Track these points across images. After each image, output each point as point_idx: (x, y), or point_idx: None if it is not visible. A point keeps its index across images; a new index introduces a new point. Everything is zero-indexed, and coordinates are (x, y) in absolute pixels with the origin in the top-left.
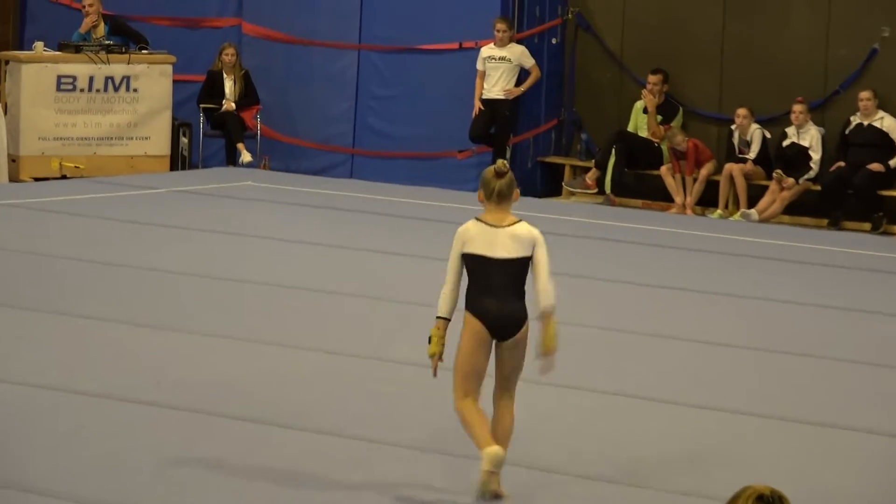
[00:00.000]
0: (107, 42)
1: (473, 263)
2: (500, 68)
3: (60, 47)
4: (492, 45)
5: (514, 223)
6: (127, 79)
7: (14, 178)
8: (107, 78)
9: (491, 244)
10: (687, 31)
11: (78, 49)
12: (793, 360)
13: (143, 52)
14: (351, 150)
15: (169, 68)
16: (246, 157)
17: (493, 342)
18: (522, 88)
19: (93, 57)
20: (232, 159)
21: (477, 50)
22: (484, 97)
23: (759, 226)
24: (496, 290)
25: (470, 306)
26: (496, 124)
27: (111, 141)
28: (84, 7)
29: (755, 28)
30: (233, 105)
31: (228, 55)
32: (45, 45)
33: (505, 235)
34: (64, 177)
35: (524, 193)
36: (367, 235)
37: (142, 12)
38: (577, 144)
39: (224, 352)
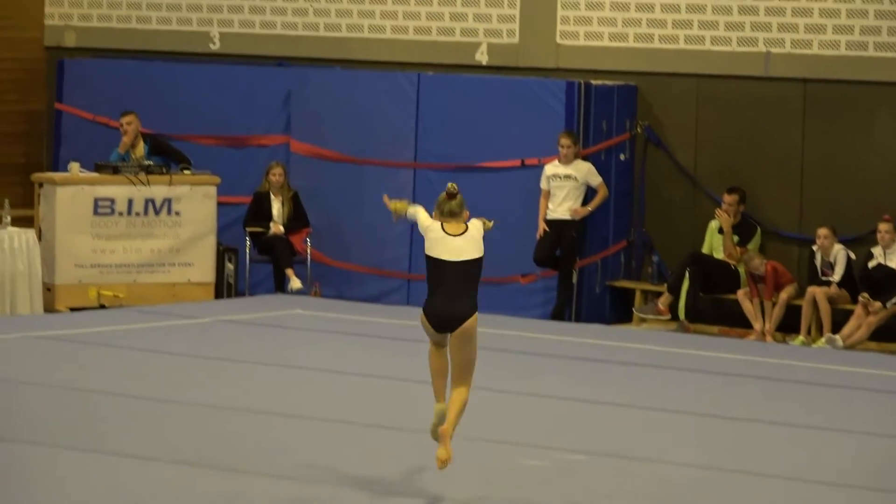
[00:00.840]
0: (147, 162)
1: (433, 267)
2: (565, 187)
3: (97, 168)
4: (556, 162)
5: (465, 230)
6: (168, 201)
7: (49, 308)
8: (147, 200)
9: (447, 249)
10: (764, 145)
11: (116, 170)
12: None
13: (186, 172)
14: (407, 276)
15: (213, 190)
16: (295, 283)
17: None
18: (590, 208)
19: (132, 178)
20: (280, 286)
21: (540, 167)
22: (548, 218)
23: (845, 353)
24: (446, 292)
25: (424, 307)
26: (562, 246)
27: (152, 268)
28: (122, 126)
29: (837, 141)
30: (281, 228)
31: (276, 175)
32: (80, 167)
33: (460, 242)
34: (102, 306)
35: (590, 320)
36: (425, 367)
37: (184, 131)
38: (647, 267)
39: (276, 495)
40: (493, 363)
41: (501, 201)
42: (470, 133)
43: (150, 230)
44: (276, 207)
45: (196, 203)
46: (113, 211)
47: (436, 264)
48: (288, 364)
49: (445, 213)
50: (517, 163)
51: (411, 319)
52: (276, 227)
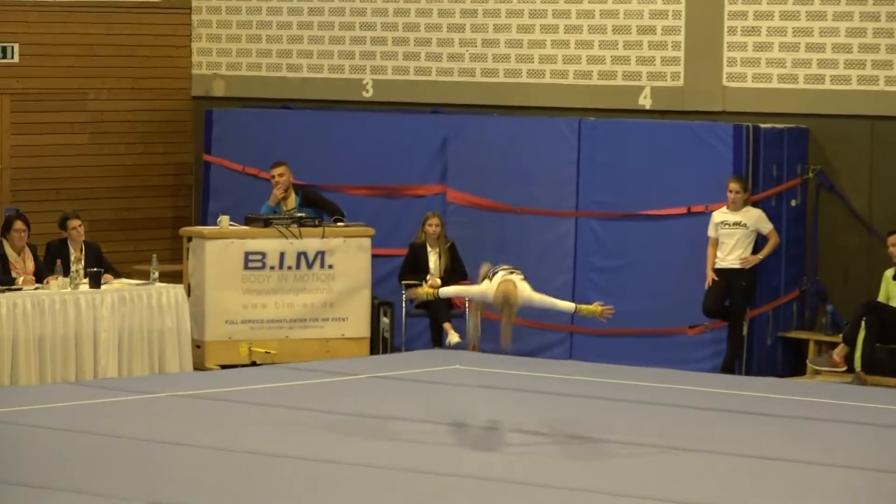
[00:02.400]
0: (298, 214)
1: None
2: (734, 234)
3: (247, 221)
4: (724, 208)
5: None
6: (321, 254)
7: (199, 365)
8: (299, 254)
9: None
10: None
11: (267, 223)
12: None
13: (339, 224)
14: (570, 329)
15: (367, 242)
16: (453, 337)
17: None
18: (760, 256)
19: (283, 231)
20: (438, 341)
21: (708, 215)
22: (717, 267)
23: None
24: None
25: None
26: (732, 296)
27: (305, 323)
28: (272, 177)
29: None
30: (438, 281)
31: (432, 226)
32: (230, 220)
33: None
34: (254, 363)
35: (762, 372)
36: (591, 423)
37: (336, 181)
38: (822, 318)
39: None
40: (661, 419)
41: (667, 250)
42: (633, 180)
43: (303, 284)
44: (433, 259)
45: (350, 255)
46: (264, 265)
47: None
48: (448, 422)
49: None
50: (683, 210)
51: (576, 374)
52: (433, 280)
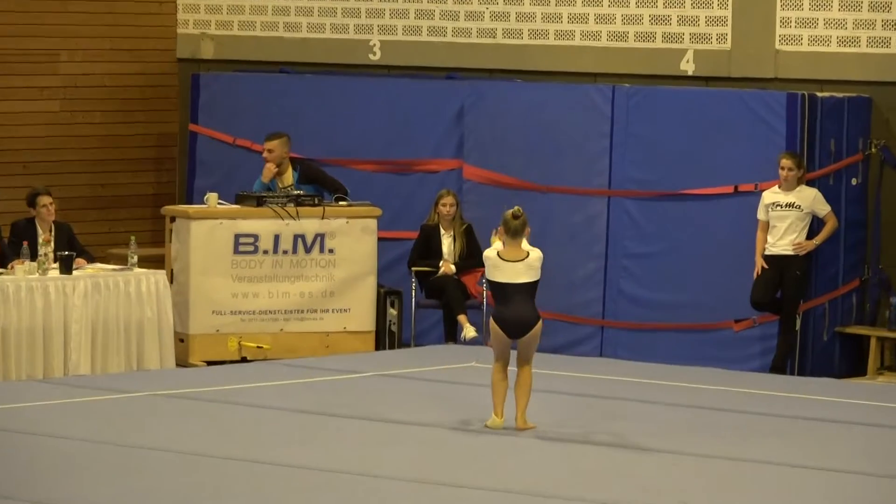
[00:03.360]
0: (296, 192)
1: (495, 288)
2: (787, 217)
3: (238, 200)
4: (776, 188)
5: (524, 257)
6: (321, 237)
7: (183, 362)
8: (296, 236)
9: (504, 273)
10: None
11: (260, 202)
12: None
13: (341, 203)
14: (600, 322)
15: (373, 223)
16: (469, 331)
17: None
18: (816, 242)
19: (279, 211)
20: (452, 335)
21: (757, 195)
22: (768, 253)
23: None
24: (513, 305)
25: (494, 316)
26: (783, 287)
27: (302, 314)
28: (267, 151)
29: None
30: (452, 268)
31: (447, 206)
32: (219, 198)
33: (520, 267)
34: (244, 359)
35: (818, 372)
36: (625, 429)
37: (339, 155)
38: (884, 311)
39: None
40: (703, 425)
41: (711, 234)
42: (674, 155)
43: (300, 271)
44: (447, 243)
45: (353, 239)
46: (256, 249)
47: (497, 286)
48: (464, 427)
49: (510, 232)
50: (729, 189)
51: (607, 373)
52: (447, 266)
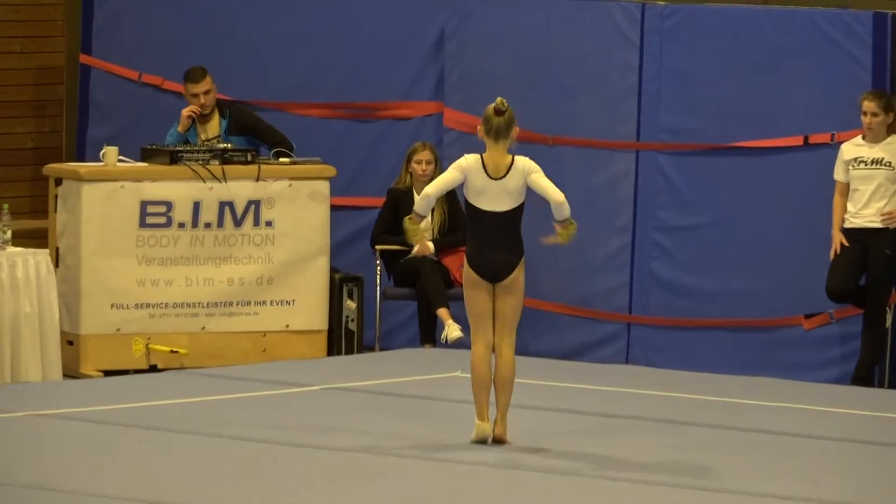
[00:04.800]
0: (222, 146)
1: (470, 212)
2: (873, 178)
3: (145, 156)
4: (859, 139)
5: (507, 171)
6: (256, 205)
7: (71, 371)
8: (223, 204)
9: (487, 197)
10: None
11: (175, 158)
12: None
13: (283, 161)
14: (626, 318)
15: (325, 187)
16: (453, 330)
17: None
18: None
19: (199, 170)
20: (430, 335)
21: (834, 147)
22: (848, 226)
23: None
24: (487, 239)
25: (466, 253)
26: (869, 271)
27: (230, 308)
28: (188, 91)
29: None
30: (430, 246)
31: (422, 164)
32: (119, 153)
33: (499, 189)
34: (154, 368)
35: None
36: (660, 464)
37: (280, 96)
38: None
39: None
40: (761, 451)
41: (772, 199)
42: (722, 96)
43: (228, 250)
44: None
45: (298, 207)
46: (170, 221)
47: (474, 212)
48: (448, 459)
49: (492, 132)
50: (797, 141)
51: (635, 386)
52: (423, 244)
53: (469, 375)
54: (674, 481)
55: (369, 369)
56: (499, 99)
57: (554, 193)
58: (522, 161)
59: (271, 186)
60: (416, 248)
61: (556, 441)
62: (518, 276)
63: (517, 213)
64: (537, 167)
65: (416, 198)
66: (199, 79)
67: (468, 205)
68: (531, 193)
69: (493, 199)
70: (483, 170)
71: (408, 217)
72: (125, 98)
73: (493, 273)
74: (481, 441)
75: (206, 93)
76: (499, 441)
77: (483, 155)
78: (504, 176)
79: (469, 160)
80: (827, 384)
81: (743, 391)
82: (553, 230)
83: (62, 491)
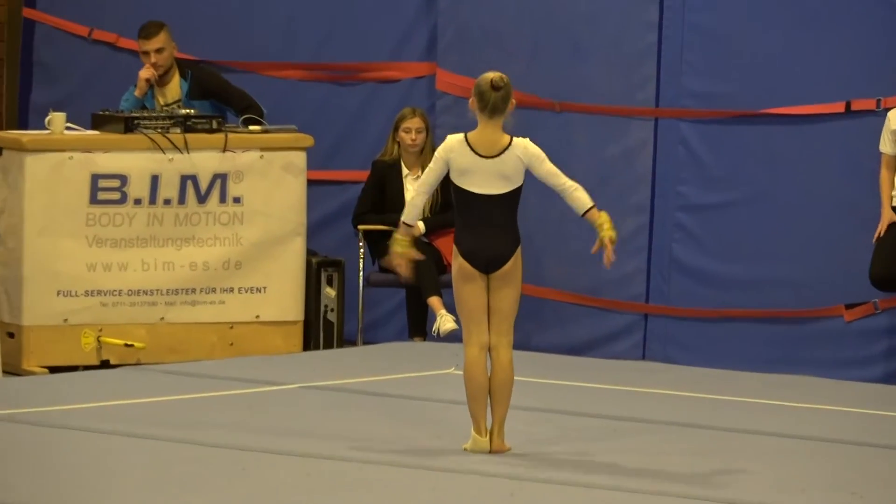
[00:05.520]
0: (185, 112)
1: (458, 196)
2: None
3: (97, 122)
4: None
5: (502, 151)
6: (222, 179)
7: (13, 367)
8: (185, 178)
9: (476, 178)
10: None
11: (130, 125)
12: None
13: (254, 128)
14: (644, 308)
15: (301, 158)
16: (446, 322)
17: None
18: None
19: (158, 139)
20: (420, 327)
21: (880, 115)
22: None
23: None
24: (479, 225)
25: (455, 241)
26: None
27: (193, 296)
28: (143, 50)
29: None
30: (421, 226)
31: (412, 132)
32: (68, 120)
33: (491, 169)
34: (106, 363)
35: None
36: (680, 473)
37: (251, 55)
38: None
39: None
40: (794, 458)
41: (810, 174)
42: (753, 57)
43: (191, 230)
44: (413, 187)
45: (271, 182)
46: (125, 197)
47: (462, 195)
48: (444, 467)
49: (488, 109)
50: (838, 107)
51: (652, 385)
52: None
53: (460, 373)
54: (696, 493)
55: (351, 365)
56: (497, 74)
57: (566, 181)
58: (523, 144)
59: (240, 158)
60: (392, 258)
61: (563, 447)
62: (515, 265)
63: (513, 196)
64: (540, 153)
65: (407, 174)
66: (152, 34)
67: (455, 188)
68: (543, 192)
69: (484, 180)
70: (469, 148)
71: (396, 233)
72: (74, 57)
73: (487, 263)
74: (476, 451)
75: (159, 51)
76: (497, 451)
77: (469, 133)
78: (498, 155)
79: (450, 142)
80: (870, 383)
81: (775, 391)
82: (591, 232)
83: None
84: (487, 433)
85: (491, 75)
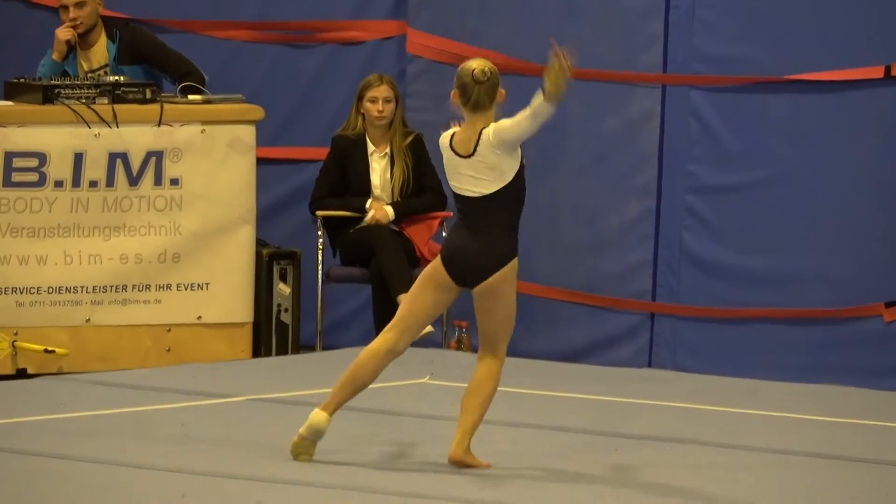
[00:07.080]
0: (113, 79)
1: (454, 196)
2: None
3: (11, 91)
4: None
5: (475, 149)
6: (157, 158)
7: None
8: (113, 157)
9: (461, 179)
10: None
11: (50, 95)
12: None
13: (193, 98)
14: (649, 306)
15: (249, 133)
16: None
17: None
18: None
19: (82, 111)
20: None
21: None
22: None
23: None
24: (461, 229)
25: (445, 237)
26: None
27: (125, 293)
28: (65, 10)
29: None
30: (389, 211)
31: (378, 102)
32: None
33: (470, 168)
34: (22, 372)
35: None
36: (675, 493)
37: (189, 13)
38: None
39: None
40: (825, 474)
41: (843, 150)
42: (774, 15)
43: (121, 217)
44: (380, 168)
45: (214, 161)
46: (44, 179)
47: (455, 195)
48: (416, 493)
49: (469, 102)
50: (877, 72)
51: (660, 397)
52: (380, 210)
53: (436, 382)
54: None
55: (308, 375)
56: (480, 64)
57: (519, 116)
58: (491, 128)
59: (178, 133)
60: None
61: (557, 464)
62: (503, 280)
63: (503, 196)
64: (501, 122)
65: (373, 150)
66: None
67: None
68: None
69: (464, 179)
70: (449, 146)
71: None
72: None
73: (463, 275)
74: (308, 440)
75: (80, 5)
76: (459, 465)
77: (457, 129)
78: (472, 153)
79: (441, 140)
80: None
81: (800, 403)
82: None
83: None
84: (331, 415)
85: (473, 65)
